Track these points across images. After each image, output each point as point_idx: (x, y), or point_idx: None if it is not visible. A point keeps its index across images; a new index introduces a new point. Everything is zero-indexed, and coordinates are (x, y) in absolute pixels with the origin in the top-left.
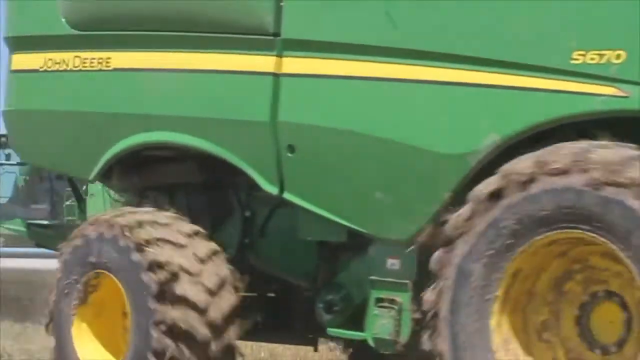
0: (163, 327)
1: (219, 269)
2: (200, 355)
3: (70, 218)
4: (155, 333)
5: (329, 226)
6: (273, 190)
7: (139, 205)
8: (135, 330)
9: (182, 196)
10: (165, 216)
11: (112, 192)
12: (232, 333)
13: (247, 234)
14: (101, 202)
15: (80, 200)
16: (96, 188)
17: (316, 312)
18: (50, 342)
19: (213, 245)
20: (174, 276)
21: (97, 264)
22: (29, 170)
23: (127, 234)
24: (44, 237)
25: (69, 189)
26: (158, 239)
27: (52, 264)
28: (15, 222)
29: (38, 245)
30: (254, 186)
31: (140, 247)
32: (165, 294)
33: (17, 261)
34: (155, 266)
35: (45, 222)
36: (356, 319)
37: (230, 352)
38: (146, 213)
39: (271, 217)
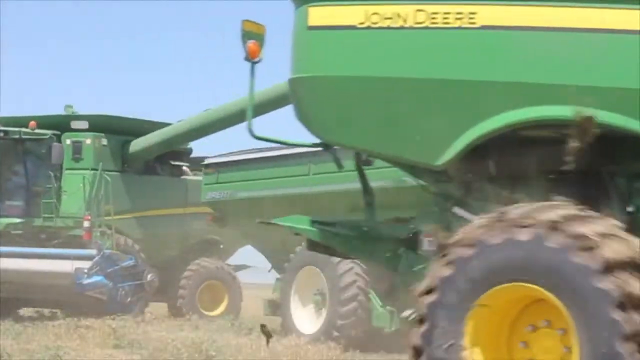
0: None
1: None
2: None
3: (47, 215)
4: None
5: None
6: None
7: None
8: None
9: (536, 187)
10: (617, 226)
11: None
12: None
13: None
14: (81, 201)
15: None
16: (75, 186)
17: None
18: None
19: None
20: None
21: (520, 275)
22: None
23: (587, 249)
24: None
25: (49, 185)
26: (627, 262)
27: (52, 264)
28: (295, 219)
29: (312, 248)
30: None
31: (609, 271)
32: (637, 339)
33: (16, 261)
34: (629, 301)
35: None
36: None
37: None
38: (599, 220)
39: None
